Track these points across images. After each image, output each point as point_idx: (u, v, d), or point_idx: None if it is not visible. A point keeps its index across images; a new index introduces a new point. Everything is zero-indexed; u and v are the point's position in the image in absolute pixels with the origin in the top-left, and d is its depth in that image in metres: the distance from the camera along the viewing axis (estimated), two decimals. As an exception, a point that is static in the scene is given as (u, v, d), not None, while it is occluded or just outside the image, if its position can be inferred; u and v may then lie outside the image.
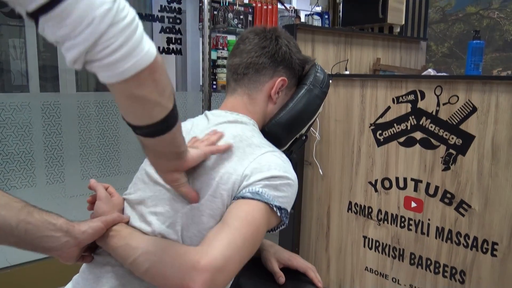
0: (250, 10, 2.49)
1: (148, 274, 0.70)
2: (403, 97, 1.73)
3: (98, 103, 2.33)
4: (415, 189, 1.73)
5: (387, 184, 1.83)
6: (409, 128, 1.73)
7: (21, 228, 0.71)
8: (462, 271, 1.62)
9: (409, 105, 1.72)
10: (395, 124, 1.77)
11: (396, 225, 1.81)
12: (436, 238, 1.68)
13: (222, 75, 2.44)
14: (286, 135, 1.00)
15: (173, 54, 2.63)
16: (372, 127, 1.86)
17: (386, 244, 1.85)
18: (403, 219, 1.78)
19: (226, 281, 0.67)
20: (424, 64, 2.93)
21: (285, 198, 0.80)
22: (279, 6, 2.75)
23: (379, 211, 1.86)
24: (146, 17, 2.49)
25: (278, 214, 0.78)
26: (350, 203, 1.98)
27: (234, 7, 2.41)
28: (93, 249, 0.85)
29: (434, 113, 1.64)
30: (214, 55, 2.40)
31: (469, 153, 1.56)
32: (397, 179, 1.79)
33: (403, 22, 2.75)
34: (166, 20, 2.55)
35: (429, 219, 1.70)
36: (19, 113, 2.07)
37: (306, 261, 1.08)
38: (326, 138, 2.04)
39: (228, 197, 0.79)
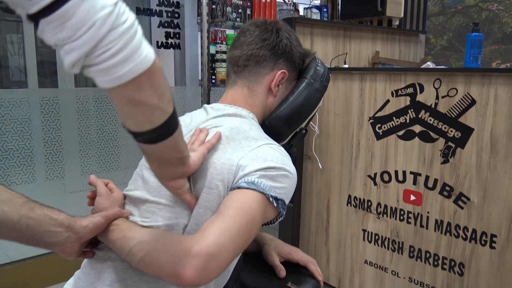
0: (248, 3, 2.48)
1: (142, 263, 0.70)
2: (402, 90, 1.73)
3: (97, 98, 2.32)
4: (414, 182, 1.74)
5: (386, 177, 1.83)
6: (408, 121, 1.73)
7: (23, 223, 0.72)
8: (461, 264, 1.63)
9: (408, 98, 1.72)
10: (394, 118, 1.77)
11: (396, 218, 1.82)
12: (435, 230, 1.69)
13: (221, 70, 2.43)
14: (286, 129, 1.00)
15: (171, 48, 2.62)
16: (371, 121, 1.86)
17: (386, 237, 1.86)
18: (402, 212, 1.79)
19: (219, 269, 0.66)
20: (423, 57, 2.92)
21: (282, 189, 0.80)
22: (278, -1, 2.74)
23: (379, 204, 1.87)
24: (144, 11, 2.48)
25: (275, 204, 0.77)
26: (349, 196, 1.99)
27: (233, 1, 2.40)
28: (95, 245, 0.85)
29: (433, 106, 1.64)
30: (212, 49, 2.39)
31: (468, 146, 1.56)
32: (396, 172, 1.79)
33: (402, 15, 2.74)
34: (164, 14, 2.54)
35: (428, 212, 1.71)
36: (18, 109, 2.07)
37: (306, 255, 1.09)
38: (325, 132, 2.04)
39: (224, 188, 0.79)
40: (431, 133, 1.66)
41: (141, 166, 0.93)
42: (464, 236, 1.61)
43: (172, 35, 2.59)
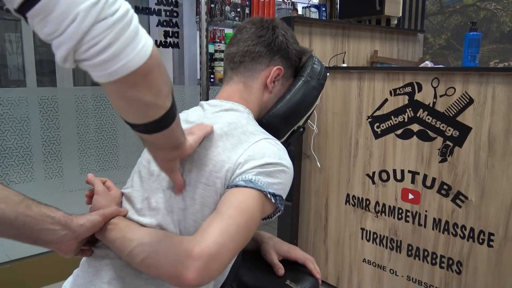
0: (247, 2, 2.48)
1: (143, 265, 0.70)
2: (400, 89, 1.74)
3: (96, 97, 2.32)
4: (412, 181, 1.74)
5: (384, 176, 1.84)
6: (406, 120, 1.73)
7: (20, 221, 0.72)
8: (459, 262, 1.63)
9: (406, 97, 1.72)
10: (392, 117, 1.78)
11: (394, 217, 1.82)
12: (433, 229, 1.70)
13: (220, 68, 2.43)
14: (283, 127, 1.01)
15: (170, 47, 2.62)
16: (369, 120, 1.86)
17: (384, 236, 1.87)
18: (400, 211, 1.80)
19: (220, 269, 0.67)
20: (422, 56, 2.93)
21: (280, 184, 0.80)
22: (276, -2, 2.74)
23: (377, 203, 1.88)
24: (142, 10, 2.48)
25: (273, 201, 0.78)
26: (348, 195, 1.99)
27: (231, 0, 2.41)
28: (93, 243, 0.86)
29: (431, 105, 1.65)
30: (211, 48, 2.40)
31: (466, 145, 1.56)
32: (394, 171, 1.80)
33: (400, 14, 2.75)
34: (163, 13, 2.53)
35: (426, 211, 1.71)
36: (16, 108, 2.07)
37: (304, 253, 1.09)
38: (323, 131, 2.05)
39: (221, 186, 0.79)
40: (429, 132, 1.66)
41: (139, 164, 0.93)
42: (462, 235, 1.61)
43: (171, 34, 2.59)
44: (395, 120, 1.77)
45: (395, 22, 2.77)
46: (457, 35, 3.09)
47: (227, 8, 2.39)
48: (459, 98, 1.57)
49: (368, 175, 1.90)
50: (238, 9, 2.44)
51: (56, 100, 2.18)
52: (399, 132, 1.76)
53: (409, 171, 1.75)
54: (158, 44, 2.57)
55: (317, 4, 3.01)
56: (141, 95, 0.54)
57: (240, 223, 0.70)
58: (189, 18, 2.69)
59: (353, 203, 1.98)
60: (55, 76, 2.43)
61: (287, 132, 1.04)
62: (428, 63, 2.06)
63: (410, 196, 1.75)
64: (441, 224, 1.67)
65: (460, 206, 1.61)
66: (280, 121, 0.99)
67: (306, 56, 1.05)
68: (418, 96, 1.69)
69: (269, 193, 0.77)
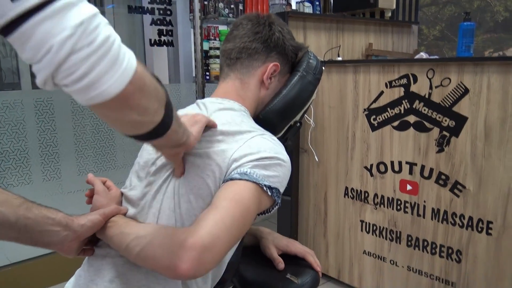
0: (240, -1, 2.47)
1: (139, 258, 0.71)
2: (396, 81, 1.74)
3: (91, 98, 2.31)
4: (410, 172, 1.75)
5: (382, 168, 1.84)
6: (402, 112, 1.74)
7: (21, 223, 0.72)
8: (458, 251, 1.64)
9: (402, 89, 1.73)
10: (388, 109, 1.78)
11: (393, 208, 1.83)
12: (432, 219, 1.70)
13: (215, 66, 2.43)
14: (280, 122, 1.01)
15: (164, 46, 2.62)
16: (366, 112, 1.87)
17: (383, 228, 1.88)
18: (399, 202, 1.80)
19: (214, 260, 0.66)
20: (416, 48, 2.93)
21: (276, 177, 0.80)
22: (270, -6, 2.73)
23: (375, 195, 1.88)
24: (136, 9, 2.47)
25: (269, 193, 0.78)
26: (346, 188, 2.00)
27: (224, -4, 2.40)
28: (94, 242, 0.86)
29: (427, 96, 1.65)
30: (206, 46, 2.39)
31: (462, 135, 1.57)
32: (392, 163, 1.81)
33: (394, 7, 2.75)
34: (156, 11, 2.53)
35: (424, 201, 1.72)
36: (12, 111, 2.06)
37: (304, 246, 1.10)
38: (320, 125, 2.05)
39: (215, 179, 0.80)
40: (425, 123, 1.67)
41: (136, 164, 0.93)
42: (460, 224, 1.62)
43: (164, 33, 2.58)
44: (392, 112, 1.77)
45: (389, 14, 2.77)
46: (451, 25, 3.09)
47: (221, 5, 2.39)
48: (454, 88, 1.57)
49: (366, 167, 1.90)
50: (232, 6, 2.43)
51: (51, 102, 2.18)
52: (395, 124, 1.77)
53: (407, 162, 1.75)
54: (152, 43, 2.56)
55: (311, -2, 3.00)
56: (124, 116, 0.55)
57: (235, 215, 0.70)
58: (182, 16, 2.68)
59: (351, 196, 1.98)
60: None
61: (284, 127, 1.04)
62: (423, 55, 2.06)
63: (409, 187, 1.76)
64: (439, 214, 1.68)
65: (458, 196, 1.62)
66: (277, 117, 0.99)
67: (302, 52, 1.05)
68: (413, 88, 1.69)
69: (265, 185, 0.77)
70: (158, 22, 2.55)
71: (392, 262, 1.87)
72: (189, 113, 0.94)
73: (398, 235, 1.83)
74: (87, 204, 0.90)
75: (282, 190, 0.83)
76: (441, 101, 1.61)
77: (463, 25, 1.87)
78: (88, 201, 0.90)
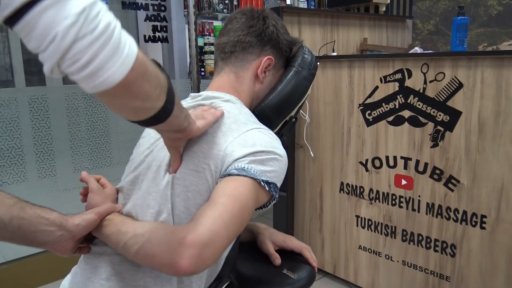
0: (235, -6, 2.46)
1: (138, 256, 0.71)
2: (391, 76, 1.75)
3: (86, 95, 2.30)
4: (405, 167, 1.76)
5: (377, 163, 1.85)
6: (397, 107, 1.74)
7: (15, 223, 0.72)
8: (452, 245, 1.66)
9: (397, 84, 1.73)
10: (383, 104, 1.79)
11: (388, 203, 1.84)
12: (426, 214, 1.72)
13: (210, 62, 2.42)
14: (276, 117, 1.01)
15: (159, 42, 2.60)
16: (361, 108, 1.87)
17: (379, 222, 1.89)
18: (394, 197, 1.81)
19: (214, 256, 0.67)
20: (411, 43, 2.93)
21: (273, 172, 0.80)
22: (264, -11, 2.73)
23: (371, 190, 1.89)
24: (130, 5, 2.46)
25: (267, 188, 0.78)
26: (342, 183, 2.01)
27: (219, -8, 2.39)
28: (90, 240, 0.86)
29: (421, 91, 1.66)
30: (200, 42, 2.38)
31: (457, 129, 1.58)
32: (387, 158, 1.81)
33: (389, 1, 2.75)
34: (150, 7, 2.51)
35: (419, 196, 1.73)
36: (6, 109, 2.05)
37: (300, 242, 1.10)
38: (316, 120, 2.05)
39: (211, 172, 0.80)
40: (420, 117, 1.68)
41: (131, 160, 0.93)
42: (455, 218, 1.64)
43: (159, 29, 2.57)
44: (386, 107, 1.78)
45: (384, 9, 2.77)
46: (446, 20, 3.10)
47: (215, 0, 2.38)
48: (448, 83, 1.58)
49: (361, 162, 1.91)
50: (226, 1, 2.42)
51: (46, 99, 2.17)
52: (390, 119, 1.78)
53: (402, 157, 1.76)
54: (146, 39, 2.55)
55: (305, -7, 2.99)
56: (127, 102, 0.56)
57: (233, 211, 0.70)
58: (177, 11, 2.66)
59: (347, 191, 1.99)
60: (44, 75, 2.40)
61: (280, 123, 1.04)
62: (417, 49, 2.06)
63: (403, 182, 1.77)
64: (434, 209, 1.69)
65: (452, 190, 1.63)
66: (272, 112, 0.99)
67: (296, 47, 1.05)
68: (408, 83, 1.70)
69: (263, 180, 0.77)
70: (153, 18, 2.53)
71: (387, 256, 1.88)
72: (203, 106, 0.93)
73: (393, 230, 1.84)
74: (82, 202, 0.90)
75: (279, 185, 0.83)
76: (436, 95, 1.62)
77: (456, 20, 1.87)
78: (83, 199, 0.90)
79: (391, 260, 1.87)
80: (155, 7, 2.53)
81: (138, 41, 2.65)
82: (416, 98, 1.67)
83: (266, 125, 0.93)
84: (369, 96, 1.83)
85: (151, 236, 0.70)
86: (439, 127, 1.63)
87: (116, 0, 2.44)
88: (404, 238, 1.81)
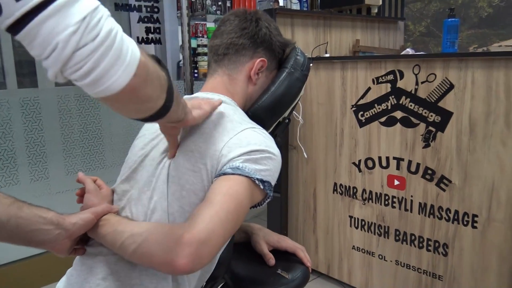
0: (228, -4, 2.46)
1: (135, 255, 0.71)
2: (383, 77, 1.76)
3: (79, 96, 2.29)
4: (398, 167, 1.77)
5: (370, 163, 1.86)
6: (389, 107, 1.76)
7: (12, 223, 0.72)
8: (445, 244, 1.67)
9: (389, 85, 1.75)
10: (375, 105, 1.80)
11: (381, 204, 1.85)
12: (419, 213, 1.73)
13: (203, 63, 2.42)
14: (269, 118, 1.02)
15: (152, 43, 2.60)
16: (353, 109, 1.89)
17: (372, 223, 1.90)
18: (387, 197, 1.83)
19: (211, 254, 0.68)
20: (403, 44, 2.96)
21: (267, 171, 0.81)
22: (257, -10, 2.73)
23: (364, 190, 1.91)
24: (123, 7, 2.45)
25: (261, 187, 0.79)
26: (335, 184, 2.02)
27: (212, -7, 2.39)
28: (85, 242, 0.86)
29: (413, 92, 1.68)
30: (194, 43, 2.38)
31: (448, 130, 1.60)
32: (379, 158, 1.83)
33: (381, 3, 2.77)
34: (143, 9, 2.51)
35: (411, 196, 1.75)
36: (-3, 111, 2.04)
37: (295, 242, 1.11)
38: (309, 122, 2.07)
39: (207, 172, 0.80)
40: (412, 118, 1.69)
41: (128, 160, 0.94)
42: (447, 218, 1.65)
43: (152, 30, 2.57)
44: (379, 108, 1.80)
45: (376, 10, 2.80)
46: (437, 21, 3.13)
47: (208, 2, 2.38)
48: (440, 84, 1.60)
49: (354, 163, 1.92)
50: (219, 3, 2.43)
51: (38, 101, 2.15)
52: (383, 119, 1.79)
53: (394, 158, 1.78)
54: (139, 40, 2.55)
55: (298, -5, 3.00)
56: (130, 105, 0.58)
57: (229, 209, 0.71)
58: (170, 13, 2.67)
59: (340, 192, 2.00)
60: (36, 77, 2.39)
61: (273, 124, 1.05)
62: (409, 51, 2.08)
63: (396, 182, 1.79)
64: (426, 208, 1.71)
65: (444, 190, 1.65)
66: (265, 113, 1.00)
67: (289, 48, 1.06)
68: (400, 84, 1.71)
69: (257, 179, 0.78)
70: (146, 19, 2.53)
71: (380, 256, 1.89)
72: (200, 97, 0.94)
73: (386, 230, 1.85)
74: (78, 203, 0.90)
75: (273, 183, 0.84)
76: (427, 96, 1.64)
77: (447, 21, 1.89)
78: (79, 200, 0.90)
79: (384, 260, 1.88)
80: (148, 9, 2.53)
81: (131, 43, 2.64)
82: (408, 99, 1.69)
83: (259, 126, 0.94)
84: (362, 97, 1.84)
85: (148, 236, 0.70)
86: (430, 128, 1.64)
87: (109, 1, 2.44)
88: (397, 238, 1.82)
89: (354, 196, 1.95)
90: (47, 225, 0.75)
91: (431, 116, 1.63)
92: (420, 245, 1.75)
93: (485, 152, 1.52)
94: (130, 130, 2.49)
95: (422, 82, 1.64)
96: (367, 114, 1.84)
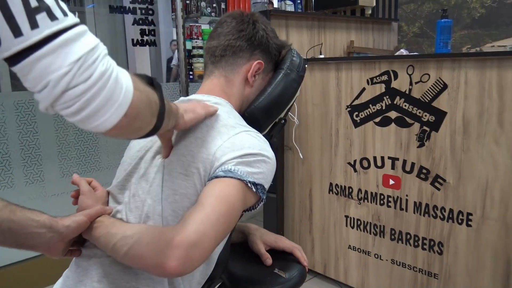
0: (222, -3, 2.47)
1: (127, 257, 0.71)
2: (377, 78, 1.77)
3: (74, 99, 2.29)
4: (393, 167, 1.78)
5: (365, 163, 1.88)
6: (384, 108, 1.77)
7: (5, 226, 0.72)
8: (440, 243, 1.68)
9: (383, 85, 1.76)
10: (370, 105, 1.81)
11: (376, 203, 1.86)
12: (414, 213, 1.74)
13: (198, 65, 2.43)
14: (265, 119, 1.02)
15: (147, 46, 2.60)
16: (348, 109, 1.90)
17: (367, 222, 1.91)
18: (382, 197, 1.84)
19: (202, 257, 0.68)
20: (397, 45, 2.98)
21: (260, 174, 0.81)
22: (252, -8, 2.74)
23: (359, 190, 1.92)
24: (117, 9, 2.45)
25: (254, 190, 0.79)
26: (330, 184, 2.03)
27: (206, -5, 2.40)
28: (81, 243, 0.86)
29: (407, 92, 1.69)
30: (189, 45, 2.39)
31: (442, 129, 1.61)
32: (374, 158, 1.84)
33: (374, 4, 2.79)
34: (138, 11, 2.51)
35: (407, 195, 1.76)
36: (-8, 114, 2.03)
37: (291, 242, 1.12)
38: (304, 122, 2.07)
39: (200, 176, 0.80)
40: (406, 118, 1.71)
41: (123, 163, 0.94)
42: (442, 216, 1.67)
43: (147, 32, 2.57)
44: (373, 108, 1.81)
45: (370, 12, 2.81)
46: (430, 22, 3.15)
47: (203, 4, 2.39)
48: (433, 84, 1.61)
49: (349, 163, 1.93)
50: (214, 5, 2.44)
51: (33, 104, 2.15)
52: (377, 120, 1.80)
53: (389, 157, 1.79)
54: (134, 43, 2.55)
55: (292, -4, 3.01)
56: (118, 135, 0.59)
57: (220, 212, 0.71)
58: (164, 15, 2.67)
59: (336, 192, 2.01)
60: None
61: (269, 125, 1.06)
62: (403, 51, 2.10)
63: (391, 182, 1.80)
64: (421, 207, 1.72)
65: (439, 189, 1.66)
66: (262, 114, 1.01)
67: (285, 50, 1.07)
68: (394, 84, 1.73)
69: (249, 182, 0.78)
70: (140, 21, 2.53)
71: (376, 256, 1.90)
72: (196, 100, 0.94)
73: (382, 229, 1.86)
74: (73, 205, 0.90)
75: (267, 186, 0.84)
76: (421, 96, 1.65)
77: (440, 22, 1.91)
78: (74, 202, 0.90)
79: (380, 259, 1.89)
80: (143, 11, 2.53)
81: (125, 45, 2.65)
82: (402, 99, 1.70)
83: (255, 127, 0.94)
84: (357, 97, 1.86)
85: (139, 238, 0.71)
86: (425, 127, 1.66)
87: (104, 4, 2.44)
88: (392, 237, 1.83)
89: (350, 196, 1.96)
90: (39, 228, 0.75)
91: (425, 116, 1.65)
92: (416, 244, 1.76)
93: (479, 151, 1.53)
94: (125, 132, 2.48)
95: (416, 82, 1.66)
96: (362, 115, 1.85)
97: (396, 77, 1.72)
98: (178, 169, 0.81)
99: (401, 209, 1.78)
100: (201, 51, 2.38)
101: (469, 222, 1.59)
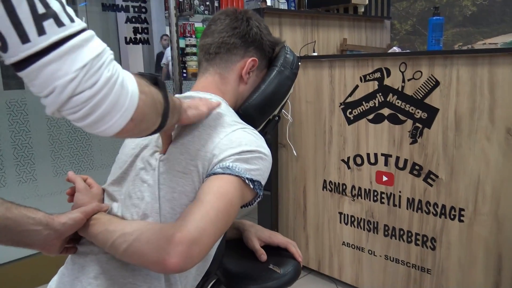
0: (215, -5, 2.47)
1: (126, 254, 0.71)
2: (370, 75, 1.79)
3: (66, 97, 2.28)
4: (386, 164, 1.80)
5: (359, 160, 1.89)
6: (377, 105, 1.78)
7: (1, 224, 0.72)
8: (433, 238, 1.70)
9: (376, 82, 1.77)
10: (363, 102, 1.83)
11: (370, 200, 1.88)
12: (407, 209, 1.76)
13: (192, 63, 2.42)
14: (259, 116, 1.03)
15: (140, 44, 2.59)
16: (342, 106, 1.91)
17: (361, 219, 1.93)
18: (375, 193, 1.85)
19: (202, 253, 0.68)
20: (389, 43, 3.00)
21: (257, 170, 0.82)
22: (245, -10, 2.74)
23: (353, 187, 1.93)
24: (110, 7, 2.44)
25: (251, 186, 0.79)
26: (324, 181, 2.04)
27: (199, -7, 2.39)
28: (77, 240, 0.86)
29: (400, 89, 1.70)
30: (182, 43, 2.38)
31: (434, 126, 1.63)
32: (368, 155, 1.85)
33: (367, 2, 2.80)
34: (131, 9, 2.50)
35: (400, 192, 1.77)
36: (-17, 113, 2.01)
37: (286, 238, 1.12)
38: (298, 120, 2.08)
39: (198, 174, 0.81)
40: (399, 115, 1.72)
41: (118, 160, 0.94)
42: (434, 212, 1.68)
43: (140, 31, 2.56)
44: (367, 106, 1.82)
45: (362, 10, 2.83)
46: (422, 20, 3.17)
47: (196, 1, 2.39)
48: (426, 81, 1.63)
49: (343, 160, 1.95)
50: (207, 3, 2.43)
51: (25, 103, 2.13)
52: (370, 117, 1.81)
53: (382, 154, 1.80)
54: (127, 41, 2.54)
55: (285, -6, 3.02)
56: (127, 136, 0.61)
57: (219, 208, 0.72)
58: (157, 13, 2.66)
59: (330, 189, 2.02)
60: (22, 79, 2.37)
61: (263, 122, 1.06)
62: (395, 49, 2.11)
63: (384, 178, 1.81)
64: (414, 203, 1.73)
65: (431, 185, 1.67)
66: (256, 111, 1.01)
67: (279, 47, 1.07)
68: (387, 81, 1.74)
69: (247, 178, 0.78)
70: (133, 20, 2.52)
71: (370, 252, 1.92)
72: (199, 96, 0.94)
73: (376, 226, 1.88)
74: (69, 202, 0.90)
75: (263, 183, 0.85)
76: (414, 93, 1.66)
77: (432, 20, 1.92)
78: (69, 199, 0.90)
79: (374, 255, 1.91)
80: (136, 9, 2.52)
81: (118, 43, 2.63)
82: (395, 96, 1.72)
83: (250, 124, 0.94)
84: (350, 95, 1.87)
85: (139, 235, 0.71)
86: (417, 124, 1.67)
87: (96, 2, 2.42)
88: (386, 233, 1.85)
89: (344, 193, 1.97)
90: (36, 225, 0.75)
91: (418, 112, 1.66)
92: (409, 239, 1.77)
93: (471, 147, 1.55)
94: (119, 130, 2.47)
95: (409, 80, 1.67)
96: (355, 112, 1.86)
97: (388, 74, 1.73)
98: (176, 167, 0.82)
99: (394, 205, 1.80)
100: (194, 49, 2.37)
101: (461, 218, 1.61)
